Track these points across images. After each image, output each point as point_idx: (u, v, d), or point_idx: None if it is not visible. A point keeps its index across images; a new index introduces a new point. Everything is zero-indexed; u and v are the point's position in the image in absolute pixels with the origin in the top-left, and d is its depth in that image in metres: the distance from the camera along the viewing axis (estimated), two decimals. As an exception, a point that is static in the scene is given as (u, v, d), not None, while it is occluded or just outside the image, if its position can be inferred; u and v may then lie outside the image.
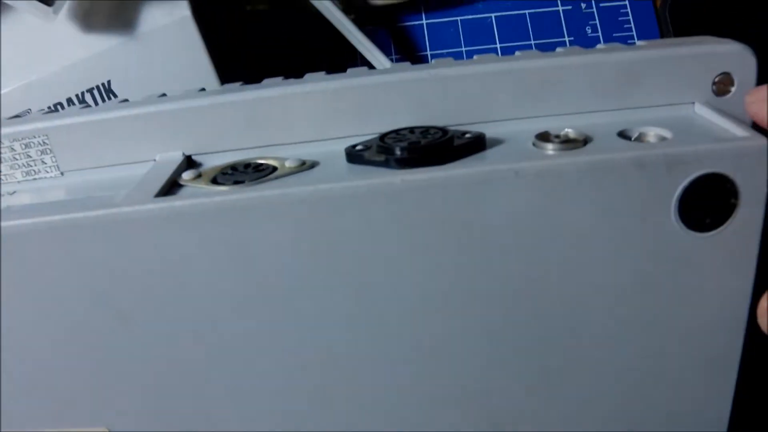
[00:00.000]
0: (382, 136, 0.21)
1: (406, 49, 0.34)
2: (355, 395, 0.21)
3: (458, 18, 0.34)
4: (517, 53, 0.24)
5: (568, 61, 0.23)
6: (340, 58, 0.33)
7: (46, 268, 0.20)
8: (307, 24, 0.33)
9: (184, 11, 0.27)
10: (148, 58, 0.27)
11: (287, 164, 0.21)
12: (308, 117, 0.23)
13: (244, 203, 0.19)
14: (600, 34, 0.33)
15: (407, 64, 0.24)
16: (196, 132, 0.23)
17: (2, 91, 0.27)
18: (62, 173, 0.23)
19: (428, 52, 0.34)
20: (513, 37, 0.33)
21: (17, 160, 0.23)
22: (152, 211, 0.19)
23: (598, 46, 0.24)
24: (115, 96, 0.28)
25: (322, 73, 0.24)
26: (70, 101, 0.28)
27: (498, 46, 0.33)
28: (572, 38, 0.33)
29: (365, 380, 0.21)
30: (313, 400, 0.22)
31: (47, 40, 0.27)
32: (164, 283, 0.20)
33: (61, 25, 0.27)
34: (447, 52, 0.34)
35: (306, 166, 0.21)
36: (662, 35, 0.33)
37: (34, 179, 0.23)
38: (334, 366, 0.21)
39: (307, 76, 0.24)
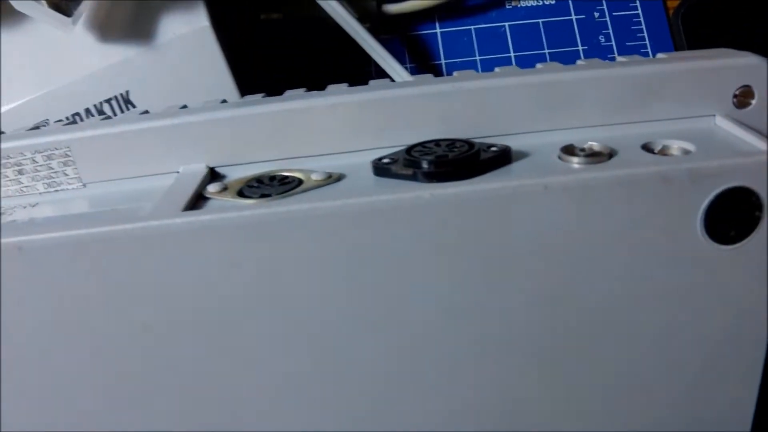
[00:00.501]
0: (409, 149, 0.21)
1: (420, 58, 0.34)
2: (382, 404, 0.21)
3: (472, 27, 0.34)
4: (538, 66, 0.24)
5: (589, 74, 0.23)
6: (355, 67, 0.33)
7: (71, 282, 0.20)
8: (321, 33, 0.33)
9: (203, 21, 0.27)
10: (166, 67, 0.27)
11: (313, 177, 0.21)
12: (331, 130, 0.23)
13: (273, 217, 0.19)
14: (613, 43, 0.33)
15: (429, 76, 0.24)
16: (219, 144, 0.23)
17: (20, 102, 0.27)
18: (84, 185, 0.23)
19: (442, 61, 0.34)
20: (527, 46, 0.33)
21: (39, 171, 0.23)
22: (180, 225, 0.19)
23: (619, 58, 0.24)
24: (134, 106, 0.28)
25: (344, 86, 0.24)
26: (88, 112, 0.28)
27: (512, 54, 0.34)
28: (586, 47, 0.33)
29: (393, 390, 0.21)
30: (339, 409, 0.22)
31: (65, 50, 0.27)
32: (192, 297, 0.20)
33: (79, 35, 0.27)
34: (461, 61, 0.34)
35: (332, 179, 0.21)
36: (675, 43, 0.33)
37: (57, 191, 0.23)
38: (361, 378, 0.21)
39: (330, 88, 0.24)
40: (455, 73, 0.24)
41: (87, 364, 0.21)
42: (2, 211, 0.24)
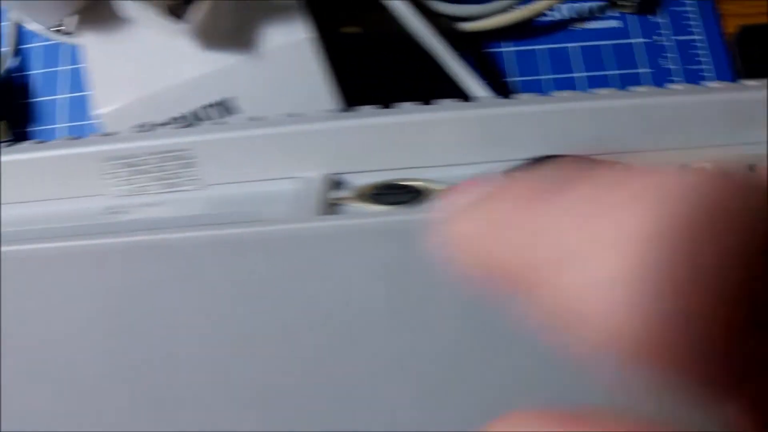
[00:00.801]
0: (532, 163, 0.22)
1: (488, 75, 0.35)
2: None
3: (538, 47, 0.35)
4: (639, 89, 0.25)
5: (689, 99, 0.24)
6: (428, 82, 0.34)
7: (205, 281, 0.21)
8: (399, 48, 0.34)
9: (306, 33, 0.28)
10: (267, 76, 0.28)
11: (437, 187, 0.22)
12: (445, 142, 0.24)
13: (416, 224, 0.20)
14: (675, 66, 0.35)
15: (535, 95, 0.25)
16: (336, 152, 0.24)
17: (121, 104, 0.28)
18: (202, 187, 0.24)
19: (509, 79, 0.35)
20: (592, 67, 0.35)
21: (158, 172, 0.24)
22: (320, 229, 0.20)
23: (708, 84, 0.26)
24: (232, 113, 0.28)
25: (454, 101, 0.25)
26: (184, 117, 0.28)
27: (580, 74, 0.35)
28: (648, 70, 0.35)
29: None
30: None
31: (166, 55, 0.28)
32: (328, 299, 0.20)
33: (182, 40, 0.28)
34: (526, 80, 0.35)
35: (457, 189, 0.22)
36: (733, 68, 0.35)
37: (174, 191, 0.24)
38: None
39: (443, 102, 0.25)
40: (561, 93, 0.25)
41: (222, 362, 0.21)
42: (115, 209, 0.25)
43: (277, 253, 0.20)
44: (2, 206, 0.25)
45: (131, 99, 0.28)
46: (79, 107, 0.38)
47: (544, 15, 0.36)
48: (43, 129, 0.38)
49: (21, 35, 0.39)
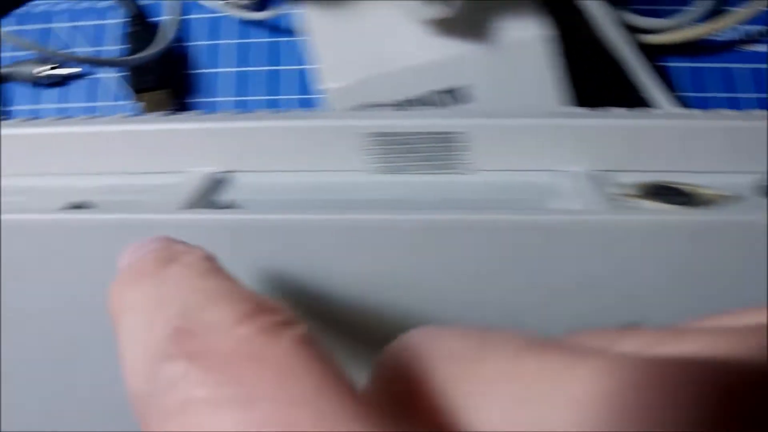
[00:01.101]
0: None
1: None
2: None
3: (706, 65, 0.37)
4: None
5: None
6: (611, 90, 0.35)
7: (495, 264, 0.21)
8: (584, 51, 0.35)
9: (541, 30, 0.28)
10: (500, 69, 0.29)
11: (708, 191, 0.23)
12: (697, 148, 0.25)
13: (723, 225, 0.21)
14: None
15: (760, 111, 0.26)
16: (596, 149, 0.25)
17: (351, 81, 0.28)
18: (470, 172, 0.25)
19: (681, 94, 0.36)
20: (758, 89, 0.36)
21: (422, 153, 0.24)
22: (627, 223, 0.21)
23: None
24: (464, 101, 0.29)
25: (706, 111, 0.26)
26: (413, 101, 0.29)
27: (747, 95, 0.36)
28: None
29: None
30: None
31: (399, 36, 0.29)
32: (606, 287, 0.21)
33: (413, 24, 0.28)
34: (697, 96, 0.36)
35: (727, 196, 0.23)
36: None
37: (440, 173, 0.25)
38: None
39: (693, 111, 0.26)
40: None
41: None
42: (373, 187, 0.25)
43: (581, 243, 0.21)
44: (257, 173, 0.25)
45: (362, 77, 0.28)
46: (244, 82, 0.38)
47: (712, 34, 0.37)
48: (205, 101, 0.39)
49: (185, 6, 0.39)
